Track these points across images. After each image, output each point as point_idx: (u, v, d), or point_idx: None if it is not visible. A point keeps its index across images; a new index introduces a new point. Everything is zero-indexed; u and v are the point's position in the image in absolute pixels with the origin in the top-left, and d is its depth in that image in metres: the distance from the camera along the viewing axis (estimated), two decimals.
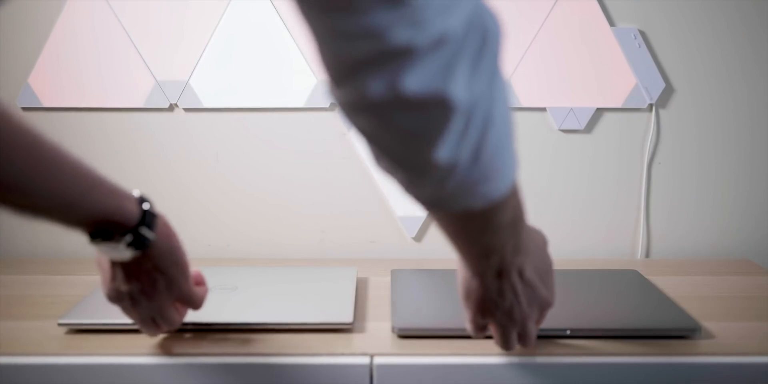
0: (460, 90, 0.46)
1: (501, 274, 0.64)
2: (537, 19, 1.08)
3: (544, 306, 0.68)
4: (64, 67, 1.09)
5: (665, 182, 1.14)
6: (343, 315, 0.79)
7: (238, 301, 0.84)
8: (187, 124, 1.12)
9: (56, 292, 0.92)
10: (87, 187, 0.59)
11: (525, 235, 0.63)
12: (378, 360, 0.72)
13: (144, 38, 1.08)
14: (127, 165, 1.12)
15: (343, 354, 0.73)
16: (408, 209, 1.13)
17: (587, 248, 1.15)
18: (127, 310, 0.69)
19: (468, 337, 0.73)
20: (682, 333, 0.77)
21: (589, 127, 1.12)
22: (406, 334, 0.77)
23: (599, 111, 1.12)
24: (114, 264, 0.66)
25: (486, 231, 0.59)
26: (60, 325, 0.77)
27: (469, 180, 0.52)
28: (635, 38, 1.09)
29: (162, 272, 0.66)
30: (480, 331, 0.70)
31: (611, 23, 1.09)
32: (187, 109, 1.11)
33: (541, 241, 0.69)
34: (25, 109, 1.10)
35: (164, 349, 0.74)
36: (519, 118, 1.07)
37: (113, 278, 0.66)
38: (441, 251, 1.07)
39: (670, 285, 0.94)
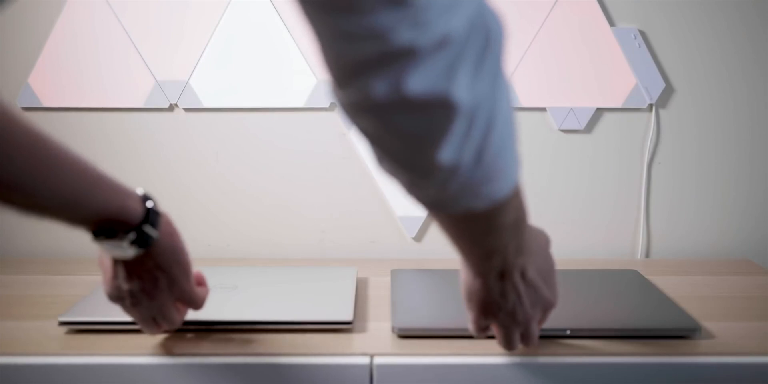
0: (463, 91, 0.46)
1: (503, 274, 0.64)
2: (537, 19, 1.08)
3: (547, 306, 0.68)
4: (64, 67, 1.09)
5: (665, 182, 1.14)
6: (343, 313, 0.79)
7: (238, 300, 0.84)
8: (187, 124, 1.12)
9: (56, 292, 0.92)
10: (90, 186, 0.59)
11: (527, 235, 0.63)
12: (378, 360, 0.72)
13: (144, 38, 1.08)
14: (127, 165, 1.12)
15: (343, 354, 0.73)
16: (408, 209, 1.13)
17: (587, 248, 1.15)
18: (128, 309, 0.68)
19: (468, 337, 0.74)
20: (682, 333, 0.77)
21: (589, 127, 1.12)
22: (406, 334, 0.77)
23: (599, 111, 1.12)
24: (116, 262, 0.66)
25: (488, 232, 0.59)
26: (60, 322, 0.77)
27: (471, 181, 0.52)
28: (635, 38, 1.09)
29: (164, 271, 0.66)
30: (482, 332, 0.70)
31: (611, 23, 1.09)
32: (187, 109, 1.11)
33: (543, 241, 0.69)
34: (25, 109, 1.10)
35: (164, 349, 0.74)
36: (519, 118, 1.07)
37: (115, 277, 0.66)
38: (441, 251, 1.07)
39: (670, 285, 0.94)
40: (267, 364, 0.72)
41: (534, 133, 1.12)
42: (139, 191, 0.64)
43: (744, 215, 1.15)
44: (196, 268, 0.71)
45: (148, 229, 0.63)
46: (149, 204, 0.64)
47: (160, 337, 0.76)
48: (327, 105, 1.10)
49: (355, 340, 0.77)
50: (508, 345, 0.69)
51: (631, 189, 1.14)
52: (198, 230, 1.14)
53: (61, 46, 1.08)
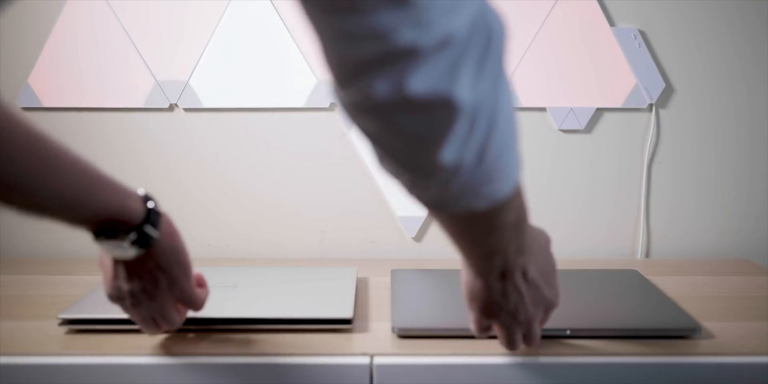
0: (465, 91, 0.46)
1: (505, 274, 0.64)
2: (537, 19, 1.08)
3: (548, 306, 0.68)
4: (64, 67, 1.09)
5: (665, 182, 1.14)
6: (343, 311, 0.79)
7: (238, 299, 0.84)
8: (187, 124, 1.12)
9: (56, 292, 0.92)
10: (90, 186, 0.59)
11: (528, 235, 0.63)
12: (378, 360, 0.72)
13: (144, 38, 1.08)
14: (127, 165, 1.12)
15: (343, 354, 0.73)
16: (408, 209, 1.13)
17: (587, 248, 1.15)
18: (128, 310, 0.68)
19: (468, 337, 0.74)
20: (682, 333, 0.77)
21: (589, 127, 1.12)
22: (406, 334, 0.77)
23: (599, 111, 1.12)
24: (116, 262, 0.66)
25: (489, 232, 0.59)
26: (60, 319, 0.77)
27: (473, 181, 0.52)
28: (635, 38, 1.09)
29: (164, 271, 0.66)
30: (484, 332, 0.70)
31: (611, 23, 1.09)
32: (187, 109, 1.11)
33: (544, 241, 0.69)
34: (25, 109, 1.10)
35: (164, 349, 0.74)
36: (519, 118, 1.07)
37: (115, 277, 0.66)
38: (441, 251, 1.08)
39: (670, 285, 0.94)
40: (267, 364, 0.72)
41: (534, 133, 1.12)
42: (140, 191, 0.64)
43: (744, 215, 1.15)
44: (197, 268, 0.71)
45: (148, 229, 0.63)
46: (150, 204, 0.64)
47: (160, 337, 0.76)
48: (327, 105, 1.10)
49: (355, 340, 0.77)
50: (510, 345, 0.69)
51: (631, 189, 1.14)
52: (198, 230, 1.14)
53: (61, 46, 1.08)
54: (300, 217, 1.14)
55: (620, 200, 1.15)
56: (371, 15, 0.42)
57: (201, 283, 0.74)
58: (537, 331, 0.69)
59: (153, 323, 0.70)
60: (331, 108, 1.11)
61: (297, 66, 1.09)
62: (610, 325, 0.77)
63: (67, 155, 0.57)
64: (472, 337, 0.73)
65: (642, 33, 1.09)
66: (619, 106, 1.11)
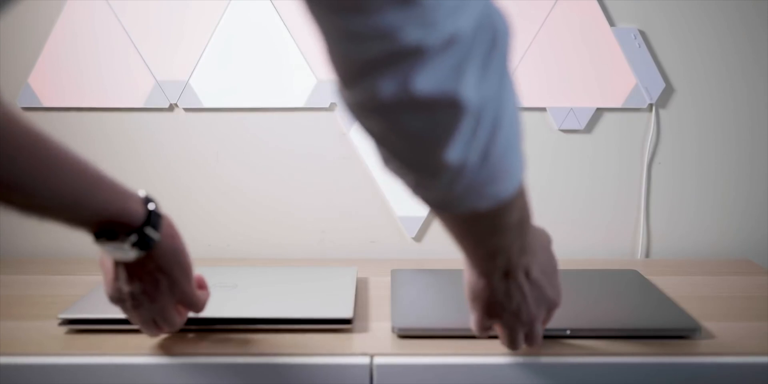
0: (470, 91, 0.46)
1: (508, 274, 0.64)
2: (537, 19, 1.08)
3: (551, 306, 0.68)
4: (64, 67, 1.09)
5: (665, 182, 1.14)
6: (343, 311, 0.79)
7: (238, 298, 0.84)
8: (187, 124, 1.12)
9: (56, 292, 0.92)
10: (92, 187, 0.59)
11: (531, 235, 0.63)
12: (378, 360, 0.72)
13: (144, 38, 1.08)
14: (127, 165, 1.12)
15: (343, 354, 0.73)
16: (408, 209, 1.13)
17: (587, 248, 1.15)
18: (128, 311, 0.68)
19: (468, 336, 0.74)
20: (682, 333, 0.77)
21: (589, 127, 1.12)
22: (406, 334, 0.77)
23: (599, 111, 1.12)
24: (117, 264, 0.66)
25: (493, 232, 0.59)
26: (60, 319, 0.77)
27: (477, 181, 0.52)
28: (635, 38, 1.09)
29: (165, 273, 0.66)
30: (485, 332, 0.70)
31: (611, 23, 1.09)
32: (187, 109, 1.11)
33: (545, 241, 0.69)
34: (25, 109, 1.10)
35: (164, 349, 0.74)
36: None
37: (116, 278, 0.66)
38: (441, 251, 1.08)
39: (670, 285, 0.94)
40: (267, 364, 0.72)
41: (534, 133, 1.12)
42: (141, 193, 0.64)
43: (744, 215, 1.15)
44: (197, 268, 0.71)
45: (149, 231, 0.63)
46: (151, 206, 0.64)
47: (160, 337, 0.76)
48: (327, 105, 1.10)
49: (355, 340, 0.77)
50: (512, 345, 0.69)
51: (631, 189, 1.14)
52: (198, 230, 1.14)
53: (61, 46, 1.08)
54: (300, 217, 1.14)
55: (620, 200, 1.15)
56: (377, 15, 0.42)
57: (202, 285, 0.74)
58: (539, 331, 0.69)
59: (154, 325, 0.70)
60: (331, 108, 1.11)
61: (297, 66, 1.09)
62: (610, 325, 0.77)
63: (68, 156, 0.57)
64: (472, 337, 0.73)
65: (642, 33, 1.09)
66: (619, 106, 1.11)
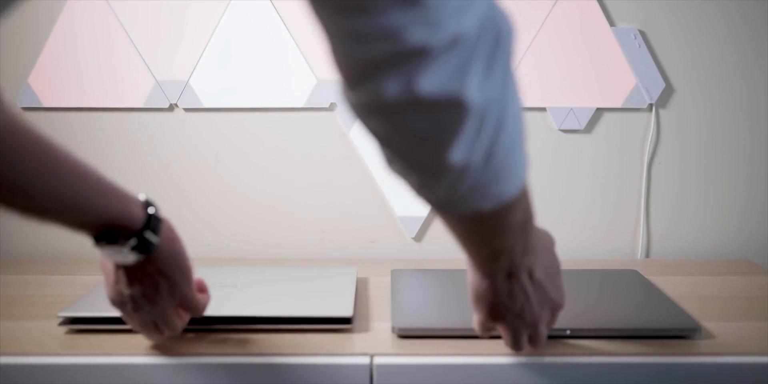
0: (474, 91, 0.46)
1: (511, 275, 0.64)
2: (537, 19, 1.08)
3: (554, 307, 0.68)
4: (64, 67, 1.09)
5: (665, 182, 1.14)
6: (343, 310, 0.79)
7: (237, 298, 0.84)
8: (187, 124, 1.12)
9: (56, 292, 0.92)
10: (92, 191, 0.59)
11: (534, 235, 0.63)
12: (378, 360, 0.72)
13: (144, 38, 1.08)
14: (127, 165, 1.12)
15: (343, 354, 0.73)
16: (408, 209, 1.13)
17: (587, 248, 1.15)
18: (129, 315, 0.68)
19: (468, 336, 0.74)
20: (682, 333, 0.77)
21: (589, 127, 1.12)
22: (406, 334, 0.77)
23: (599, 111, 1.12)
24: (117, 267, 0.66)
25: (496, 232, 0.59)
26: (61, 317, 0.77)
27: (481, 181, 0.52)
28: (635, 38, 1.09)
29: (165, 276, 0.66)
30: (488, 332, 0.70)
31: (611, 23, 1.09)
32: (187, 109, 1.11)
33: (548, 242, 0.69)
34: (25, 109, 1.10)
35: (164, 349, 0.74)
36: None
37: (116, 282, 0.66)
38: (441, 251, 1.07)
39: (670, 285, 0.94)
40: (267, 364, 0.72)
41: (534, 133, 1.12)
42: (141, 197, 0.64)
43: (744, 215, 1.15)
44: (196, 268, 0.71)
45: (149, 235, 0.63)
46: (151, 210, 0.64)
47: None
48: (327, 105, 1.10)
49: (355, 340, 0.77)
50: (516, 346, 0.69)
51: (631, 189, 1.14)
52: (198, 230, 1.14)
53: (61, 46, 1.08)
54: (300, 217, 1.14)
55: (620, 200, 1.15)
56: (381, 15, 0.42)
57: (202, 289, 0.74)
58: (543, 332, 0.69)
59: (154, 328, 0.70)
60: (331, 108, 1.11)
61: (297, 66, 1.09)
62: (610, 325, 0.77)
63: (69, 159, 0.57)
64: (472, 337, 0.73)
65: (642, 33, 1.09)
66: (619, 106, 1.11)
